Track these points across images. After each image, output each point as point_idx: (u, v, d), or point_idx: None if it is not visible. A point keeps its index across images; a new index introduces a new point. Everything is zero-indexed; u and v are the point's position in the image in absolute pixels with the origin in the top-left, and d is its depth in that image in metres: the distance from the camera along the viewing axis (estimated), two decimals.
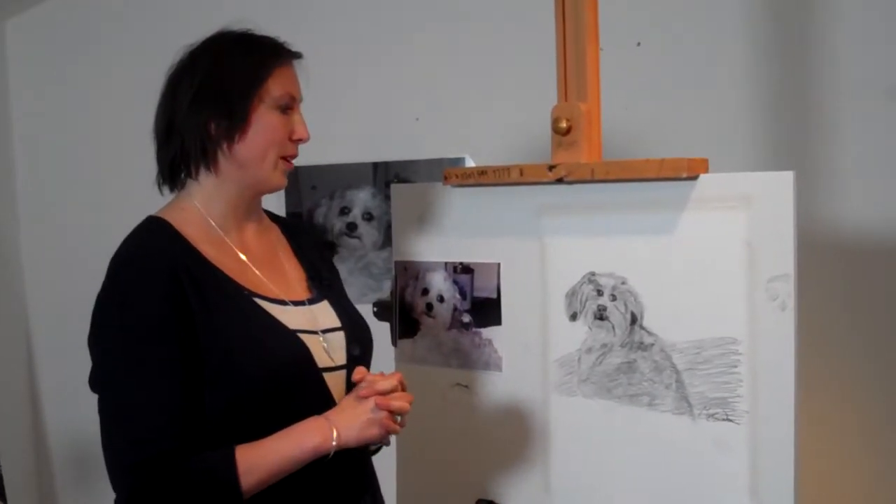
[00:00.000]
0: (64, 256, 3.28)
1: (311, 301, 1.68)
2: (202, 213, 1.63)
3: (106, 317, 1.53)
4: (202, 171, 1.62)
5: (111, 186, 3.15)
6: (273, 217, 1.81)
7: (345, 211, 2.80)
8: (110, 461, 1.48)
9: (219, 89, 1.58)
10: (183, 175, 1.64)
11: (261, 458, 1.49)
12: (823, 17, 2.16)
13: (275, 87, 1.60)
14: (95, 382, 1.53)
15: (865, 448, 2.16)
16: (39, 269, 3.37)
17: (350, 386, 1.62)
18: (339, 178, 2.78)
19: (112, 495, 1.50)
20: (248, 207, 1.67)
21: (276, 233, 1.77)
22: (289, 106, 1.62)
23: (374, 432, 1.54)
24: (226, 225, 1.64)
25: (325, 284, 1.74)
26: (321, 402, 1.58)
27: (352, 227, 2.79)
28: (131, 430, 1.46)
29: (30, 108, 3.32)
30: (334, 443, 1.51)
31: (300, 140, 1.64)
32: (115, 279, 1.54)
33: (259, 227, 1.71)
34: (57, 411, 3.36)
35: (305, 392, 1.58)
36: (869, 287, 2.15)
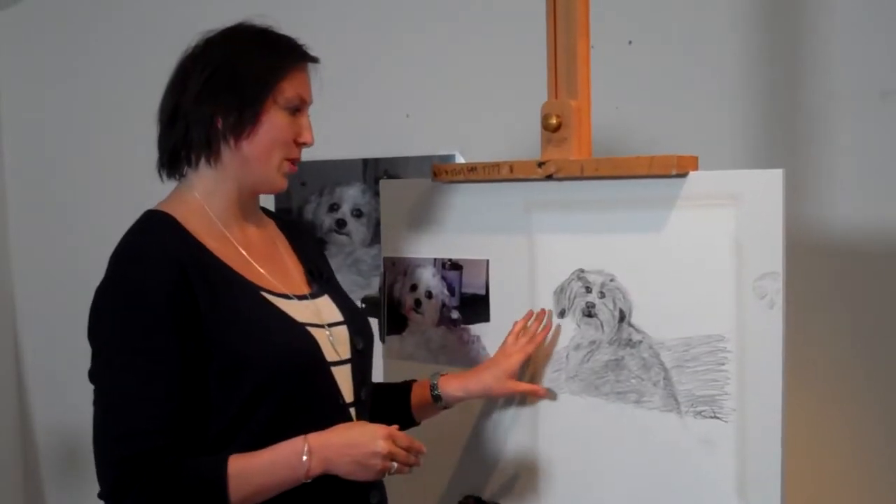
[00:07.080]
0: (52, 248, 3.27)
1: (313, 295, 1.68)
2: (203, 206, 1.61)
3: (110, 310, 1.50)
4: (203, 163, 1.60)
5: (101, 177, 3.14)
6: (268, 213, 1.80)
7: (334, 207, 2.79)
8: (98, 454, 1.47)
9: (231, 83, 1.57)
10: (184, 164, 1.62)
11: (252, 469, 1.47)
12: (815, 17, 2.16)
13: (288, 89, 1.59)
14: (93, 374, 1.52)
15: (853, 446, 2.16)
16: (27, 260, 3.35)
17: (357, 380, 1.64)
18: (329, 174, 2.77)
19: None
20: (248, 204, 1.67)
21: (273, 229, 1.76)
22: (298, 108, 1.62)
23: (359, 473, 1.53)
24: (227, 220, 1.63)
25: (324, 279, 1.74)
26: (331, 395, 1.59)
27: (341, 224, 2.78)
28: (121, 424, 1.45)
29: (19, 98, 3.31)
30: (306, 478, 1.49)
31: (305, 144, 1.63)
32: (122, 274, 1.52)
33: (259, 224, 1.71)
34: (44, 403, 3.35)
35: (315, 385, 1.58)
36: (857, 286, 2.15)
